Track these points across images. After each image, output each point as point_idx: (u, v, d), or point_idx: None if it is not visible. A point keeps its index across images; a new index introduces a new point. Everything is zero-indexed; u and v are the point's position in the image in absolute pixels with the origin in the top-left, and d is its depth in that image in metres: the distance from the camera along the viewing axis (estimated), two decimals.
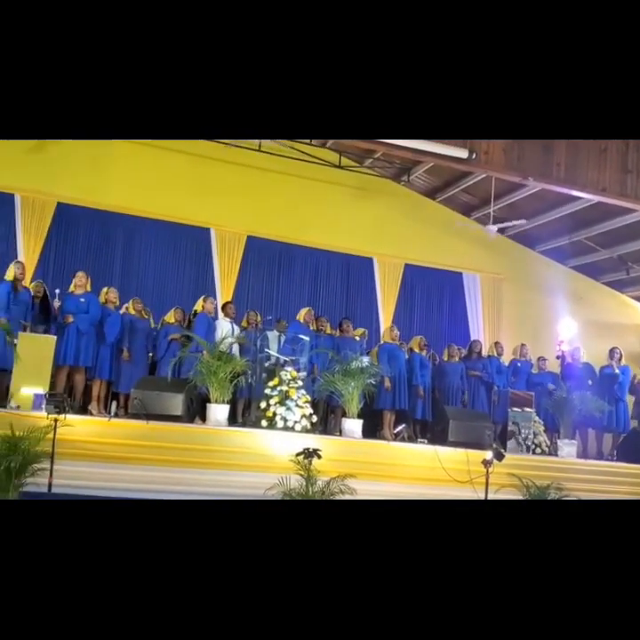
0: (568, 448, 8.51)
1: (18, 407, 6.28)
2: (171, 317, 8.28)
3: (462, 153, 7.73)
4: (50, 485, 5.03)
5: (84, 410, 7.41)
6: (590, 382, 9.23)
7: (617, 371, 9.33)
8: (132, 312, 8.09)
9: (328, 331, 8.77)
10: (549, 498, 6.19)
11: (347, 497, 5.38)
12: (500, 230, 9.99)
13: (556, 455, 8.50)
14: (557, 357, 9.96)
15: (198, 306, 8.25)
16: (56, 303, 7.34)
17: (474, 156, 7.80)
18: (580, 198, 9.34)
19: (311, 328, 8.41)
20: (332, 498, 5.37)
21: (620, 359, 9.43)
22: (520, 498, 6.24)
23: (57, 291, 7.43)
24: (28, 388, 6.44)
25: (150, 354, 8.20)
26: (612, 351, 9.48)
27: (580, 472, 7.85)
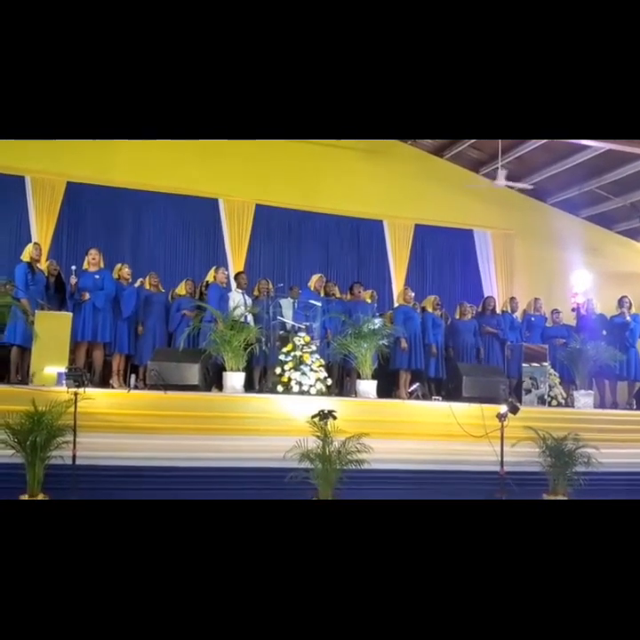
0: (585, 399, 8.53)
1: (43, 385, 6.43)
2: (182, 289, 8.34)
3: None
4: (74, 457, 5.17)
5: (104, 384, 7.57)
6: (605, 333, 9.19)
7: (628, 318, 9.24)
8: (148, 287, 8.19)
9: (338, 295, 8.81)
10: (566, 449, 6.18)
11: (363, 455, 5.46)
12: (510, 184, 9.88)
13: (573, 407, 8.53)
14: (572, 310, 9.94)
15: (210, 276, 8.26)
16: (72, 280, 7.46)
17: None
18: (589, 147, 9.22)
19: (321, 294, 8.45)
20: (349, 457, 5.45)
21: (629, 307, 9.32)
22: (537, 450, 6.26)
23: (73, 268, 7.54)
24: (49, 366, 6.59)
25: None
26: (621, 300, 9.39)
27: (597, 422, 7.83)
